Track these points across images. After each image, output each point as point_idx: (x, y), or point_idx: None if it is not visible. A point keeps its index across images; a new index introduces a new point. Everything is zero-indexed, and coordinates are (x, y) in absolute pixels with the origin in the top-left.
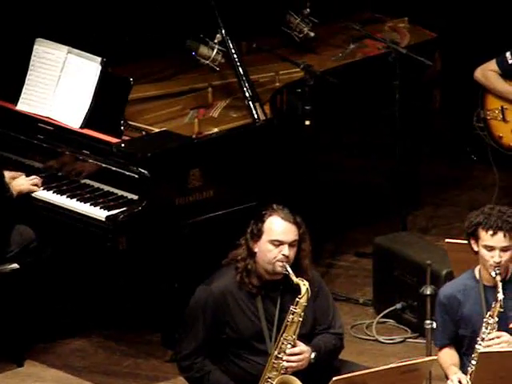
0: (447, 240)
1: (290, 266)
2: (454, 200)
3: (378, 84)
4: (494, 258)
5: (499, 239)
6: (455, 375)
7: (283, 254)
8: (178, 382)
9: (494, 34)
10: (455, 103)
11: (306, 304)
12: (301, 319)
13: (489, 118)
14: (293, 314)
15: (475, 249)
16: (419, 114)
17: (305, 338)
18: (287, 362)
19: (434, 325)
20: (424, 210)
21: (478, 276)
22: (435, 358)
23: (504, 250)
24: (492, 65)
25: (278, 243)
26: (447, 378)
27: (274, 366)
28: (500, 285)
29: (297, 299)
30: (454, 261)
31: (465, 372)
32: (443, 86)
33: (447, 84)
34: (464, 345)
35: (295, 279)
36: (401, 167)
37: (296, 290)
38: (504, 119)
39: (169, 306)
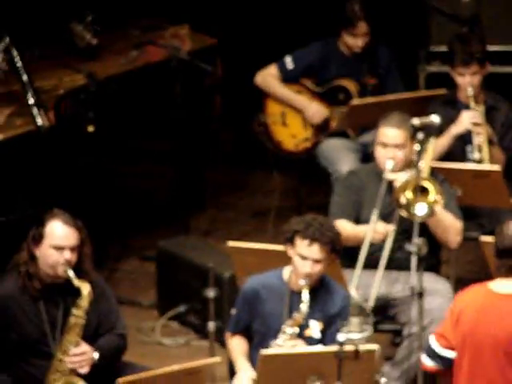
0: (230, 243)
1: (72, 270)
2: (235, 204)
3: (160, 90)
4: (305, 267)
5: (314, 250)
6: (243, 373)
7: (65, 258)
8: None
9: (274, 39)
10: (236, 108)
11: (87, 307)
12: (84, 321)
13: (269, 122)
14: (74, 317)
15: (290, 254)
16: (201, 119)
17: (89, 340)
18: (70, 362)
19: (233, 311)
20: (206, 214)
21: (285, 278)
22: (218, 359)
23: (317, 261)
24: (272, 69)
25: (59, 247)
26: (233, 371)
27: (58, 368)
28: (306, 297)
29: (78, 302)
30: (236, 264)
31: (254, 366)
32: (224, 92)
33: (228, 89)
34: (255, 338)
35: (76, 282)
36: (184, 171)
37: (79, 293)
38: (284, 123)
39: None
